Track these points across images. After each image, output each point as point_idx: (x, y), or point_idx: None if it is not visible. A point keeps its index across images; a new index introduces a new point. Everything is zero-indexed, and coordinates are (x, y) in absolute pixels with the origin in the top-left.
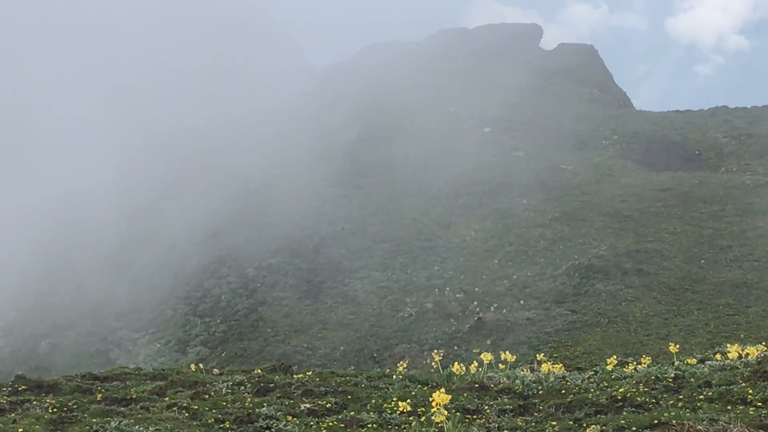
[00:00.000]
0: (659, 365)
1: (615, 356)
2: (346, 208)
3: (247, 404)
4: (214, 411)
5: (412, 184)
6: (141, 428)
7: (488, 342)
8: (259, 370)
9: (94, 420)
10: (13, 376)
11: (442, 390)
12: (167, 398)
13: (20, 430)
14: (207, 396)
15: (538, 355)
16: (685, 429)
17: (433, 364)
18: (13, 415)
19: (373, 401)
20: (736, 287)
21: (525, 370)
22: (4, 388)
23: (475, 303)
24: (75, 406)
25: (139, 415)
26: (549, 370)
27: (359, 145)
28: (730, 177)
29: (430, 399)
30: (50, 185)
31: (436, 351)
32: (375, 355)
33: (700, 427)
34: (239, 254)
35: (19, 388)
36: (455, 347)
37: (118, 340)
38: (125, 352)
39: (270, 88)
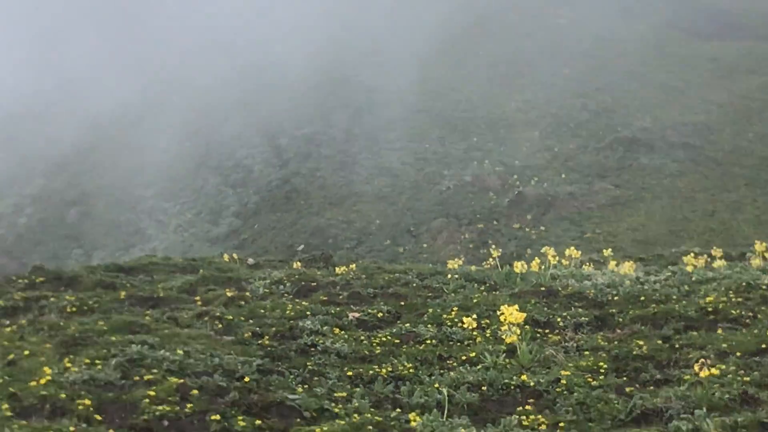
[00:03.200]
0: (742, 266)
1: (692, 253)
2: (382, 75)
3: (287, 313)
4: (250, 322)
5: (450, 52)
6: (166, 352)
7: (528, 217)
8: (299, 264)
9: (113, 338)
10: (32, 264)
11: (516, 307)
12: (198, 299)
13: (26, 352)
14: (243, 302)
15: (605, 251)
16: None
17: (490, 260)
18: (24, 320)
19: (431, 311)
20: None
21: (589, 265)
22: (20, 280)
23: (515, 176)
24: (96, 305)
25: (166, 330)
26: (624, 272)
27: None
28: None
29: (498, 312)
30: None
31: (494, 247)
32: (412, 229)
33: None
34: (271, 123)
35: (36, 281)
36: (494, 222)
37: (149, 210)
38: (156, 222)
39: None
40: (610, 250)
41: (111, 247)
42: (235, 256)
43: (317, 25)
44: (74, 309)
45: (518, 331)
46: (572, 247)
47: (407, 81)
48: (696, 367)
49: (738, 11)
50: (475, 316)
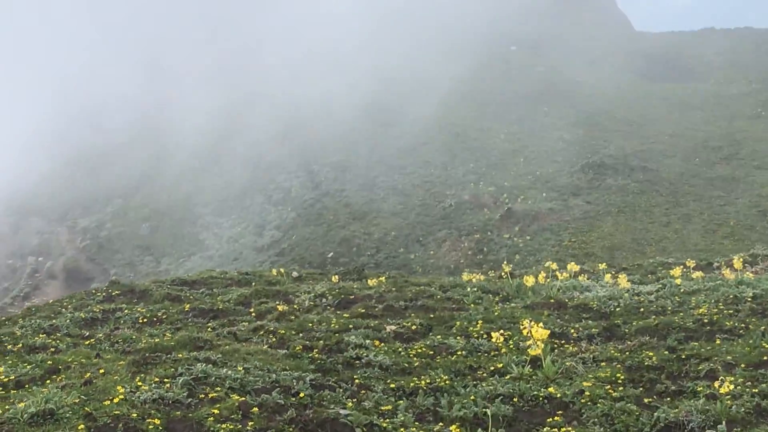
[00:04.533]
0: (722, 280)
1: (678, 267)
2: (393, 112)
3: (332, 326)
4: (300, 336)
5: (454, 92)
6: (228, 370)
7: (516, 228)
8: (336, 277)
9: (180, 355)
10: (111, 275)
11: (541, 324)
12: (252, 311)
13: (101, 371)
14: (292, 317)
15: (600, 264)
16: None
17: (502, 274)
18: (101, 333)
19: (458, 323)
20: (726, 181)
21: (584, 276)
22: (99, 294)
23: (505, 195)
24: (164, 317)
25: (227, 346)
26: (620, 285)
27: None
28: (719, 88)
29: (519, 325)
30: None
31: (505, 262)
32: (420, 239)
33: None
34: (305, 152)
35: (113, 294)
36: (488, 233)
37: (206, 224)
38: (212, 234)
39: None
40: (605, 264)
41: (176, 255)
42: (282, 270)
43: (351, 72)
44: (145, 320)
45: (541, 345)
46: (572, 262)
47: (415, 117)
48: (716, 384)
49: (684, 59)
50: (501, 331)
